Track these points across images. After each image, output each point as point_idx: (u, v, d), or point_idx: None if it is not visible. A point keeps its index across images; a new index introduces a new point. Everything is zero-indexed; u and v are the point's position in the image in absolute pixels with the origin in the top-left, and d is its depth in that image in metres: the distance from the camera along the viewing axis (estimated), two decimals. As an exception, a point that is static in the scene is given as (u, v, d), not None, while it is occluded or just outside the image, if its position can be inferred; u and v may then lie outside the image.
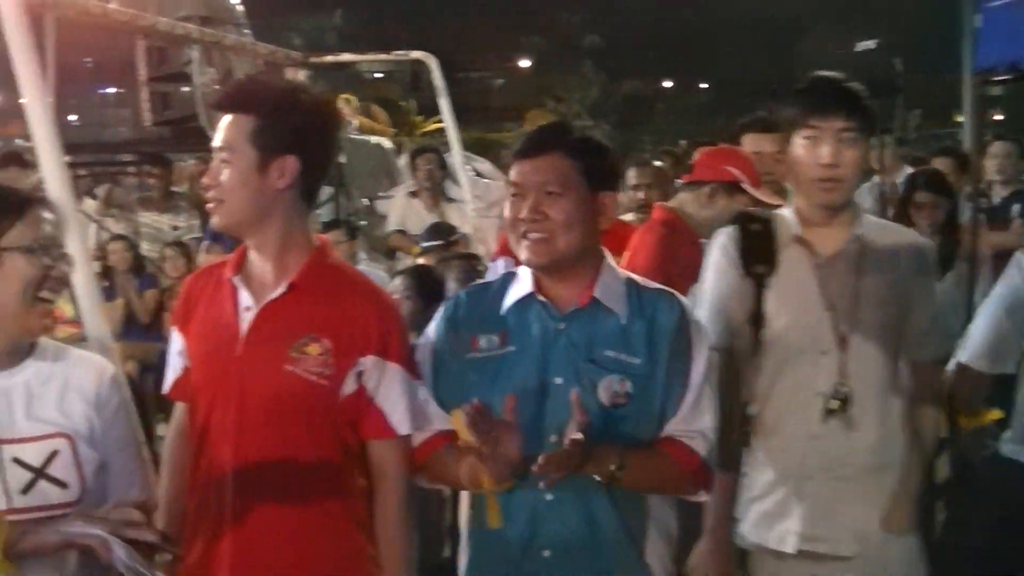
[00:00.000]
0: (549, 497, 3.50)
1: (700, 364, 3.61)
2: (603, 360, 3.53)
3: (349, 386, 3.62)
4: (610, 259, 3.71)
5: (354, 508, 3.70)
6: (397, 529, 3.72)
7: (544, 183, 3.51)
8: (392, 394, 3.66)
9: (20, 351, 3.30)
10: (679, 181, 6.67)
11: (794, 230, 4.15)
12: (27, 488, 3.16)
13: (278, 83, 3.78)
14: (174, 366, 3.85)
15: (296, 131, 3.58)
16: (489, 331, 3.65)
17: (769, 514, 4.23)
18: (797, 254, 4.16)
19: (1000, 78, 9.26)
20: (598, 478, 3.44)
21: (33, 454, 3.19)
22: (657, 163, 9.15)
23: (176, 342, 3.83)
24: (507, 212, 3.61)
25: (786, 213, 4.22)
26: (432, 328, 3.79)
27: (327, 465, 3.63)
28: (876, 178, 11.31)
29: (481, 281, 3.94)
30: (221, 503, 3.60)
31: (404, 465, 3.73)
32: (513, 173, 3.61)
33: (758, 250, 4.16)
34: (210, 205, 3.62)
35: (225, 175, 3.54)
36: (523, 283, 3.67)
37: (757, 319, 4.15)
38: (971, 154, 9.61)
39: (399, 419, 3.67)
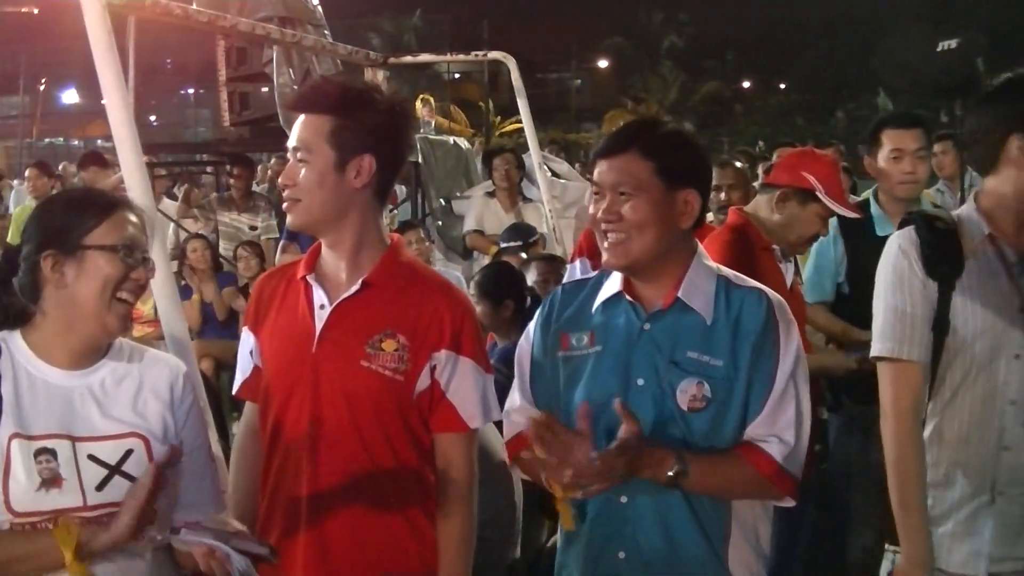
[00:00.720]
0: (624, 499, 3.47)
1: (787, 365, 3.47)
2: (684, 362, 3.45)
3: (423, 381, 3.66)
4: (703, 257, 3.64)
5: (427, 503, 3.74)
6: (460, 523, 3.77)
7: (617, 183, 3.48)
8: (464, 388, 3.71)
9: (97, 351, 3.34)
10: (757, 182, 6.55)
11: (984, 229, 3.90)
12: (102, 485, 3.19)
13: (353, 83, 3.78)
14: (244, 367, 3.89)
15: (373, 131, 3.62)
16: (579, 329, 3.63)
17: (952, 535, 3.95)
18: (987, 255, 3.91)
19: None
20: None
21: (108, 452, 3.22)
22: (737, 164, 9.08)
23: (247, 342, 3.86)
24: (591, 212, 3.59)
25: (968, 213, 3.97)
26: (531, 325, 3.80)
27: (401, 460, 3.67)
28: (940, 183, 11.22)
29: (580, 278, 3.89)
30: (295, 500, 3.63)
31: (471, 459, 3.78)
32: (595, 173, 3.57)
33: (944, 251, 3.90)
34: (286, 204, 3.64)
35: (302, 175, 3.57)
36: (613, 282, 3.64)
37: (942, 325, 3.88)
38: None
39: (471, 413, 3.73)
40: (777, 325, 3.50)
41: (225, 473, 3.93)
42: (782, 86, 75.59)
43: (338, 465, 3.61)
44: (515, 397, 3.77)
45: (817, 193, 5.40)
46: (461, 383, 3.70)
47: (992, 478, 3.87)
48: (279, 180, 3.64)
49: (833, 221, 5.75)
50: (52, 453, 3.15)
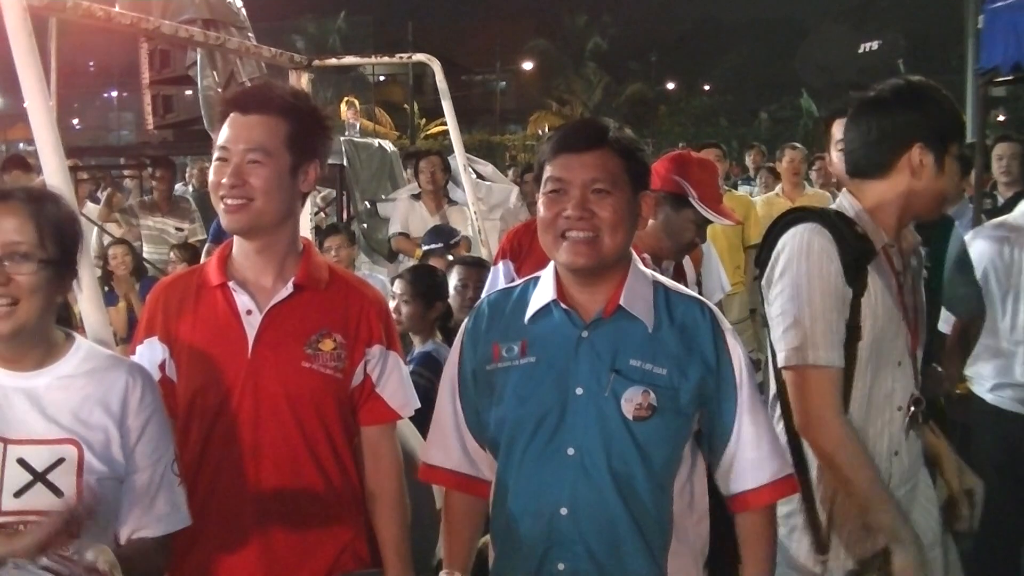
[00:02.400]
0: (564, 511, 3.35)
1: (743, 373, 3.41)
2: (627, 370, 3.33)
3: (358, 377, 3.72)
4: (638, 262, 3.53)
5: (359, 496, 3.79)
6: (401, 511, 3.83)
7: (593, 180, 3.31)
8: (393, 380, 3.80)
9: (48, 352, 3.23)
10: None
11: (884, 238, 3.94)
12: (21, 491, 3.08)
13: (298, 90, 3.81)
14: None
15: (320, 138, 3.70)
16: (510, 340, 3.48)
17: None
18: (880, 261, 3.94)
19: (1003, 79, 9.27)
20: None
21: (38, 457, 3.10)
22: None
23: (154, 354, 3.75)
24: (543, 210, 3.40)
25: (860, 216, 3.96)
26: (457, 340, 3.66)
27: (340, 457, 3.73)
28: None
29: (505, 286, 3.75)
30: (237, 505, 3.62)
31: (398, 448, 3.87)
32: (555, 168, 3.37)
33: (861, 257, 3.87)
34: (231, 204, 3.58)
35: (258, 176, 3.55)
36: (545, 289, 3.48)
37: (853, 332, 3.85)
38: (975, 155, 9.57)
39: (401, 403, 3.83)
40: (725, 336, 3.43)
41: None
42: (706, 87, 76.18)
43: (283, 467, 3.62)
44: (446, 415, 3.64)
45: (690, 199, 5.21)
46: (391, 376, 3.78)
47: (887, 481, 3.92)
48: (224, 180, 3.56)
49: None
50: None
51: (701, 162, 5.54)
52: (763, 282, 4.06)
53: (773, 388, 4.06)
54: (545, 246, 3.44)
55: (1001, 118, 42.78)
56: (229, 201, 3.56)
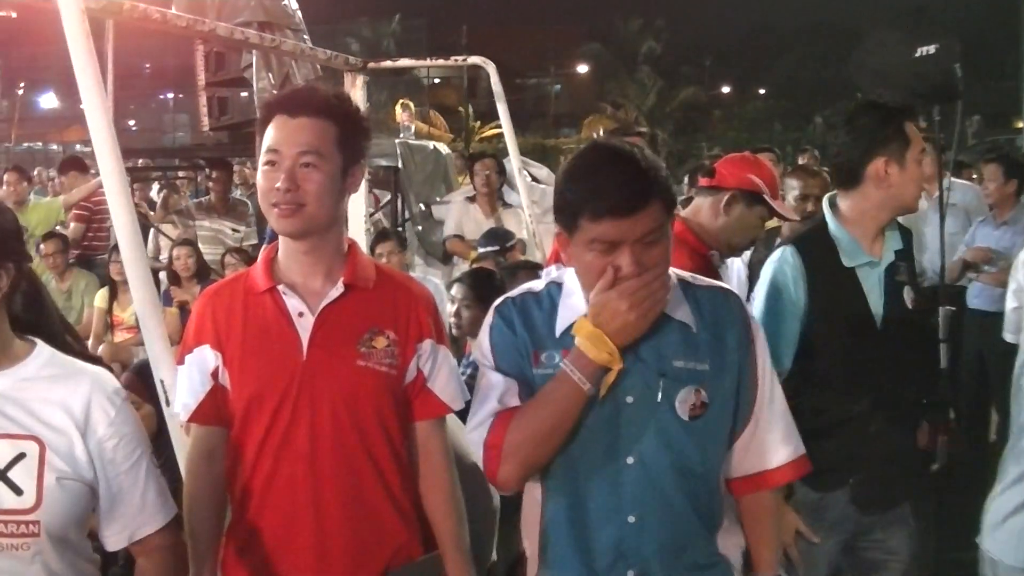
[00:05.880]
0: (631, 519, 3.35)
1: (765, 358, 3.50)
2: (674, 372, 3.32)
3: (411, 373, 3.71)
4: None
5: (413, 492, 3.78)
6: (456, 505, 3.80)
7: (644, 235, 3.17)
8: (443, 374, 3.77)
9: (6, 356, 3.18)
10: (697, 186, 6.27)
11: None
12: None
13: (337, 90, 3.80)
14: (195, 390, 3.73)
15: (363, 139, 3.70)
16: (550, 347, 3.39)
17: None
18: None
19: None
20: None
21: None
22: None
23: (205, 362, 3.71)
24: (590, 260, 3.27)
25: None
26: (487, 344, 3.49)
27: (397, 454, 3.72)
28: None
29: (524, 289, 3.61)
30: (293, 508, 3.62)
31: (448, 442, 3.85)
32: (603, 230, 3.20)
33: None
34: (284, 209, 3.54)
35: (311, 181, 3.53)
36: (577, 299, 3.40)
37: None
38: (1029, 161, 9.49)
39: (451, 396, 3.80)
40: (750, 320, 3.49)
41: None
42: (761, 92, 75.91)
43: (341, 467, 3.62)
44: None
45: (764, 196, 5.32)
46: (441, 370, 3.77)
47: None
48: (278, 184, 3.52)
49: (789, 255, 4.74)
50: None
51: (766, 163, 5.67)
52: None
53: None
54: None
55: (1057, 123, 42.59)
56: (282, 206, 3.53)
